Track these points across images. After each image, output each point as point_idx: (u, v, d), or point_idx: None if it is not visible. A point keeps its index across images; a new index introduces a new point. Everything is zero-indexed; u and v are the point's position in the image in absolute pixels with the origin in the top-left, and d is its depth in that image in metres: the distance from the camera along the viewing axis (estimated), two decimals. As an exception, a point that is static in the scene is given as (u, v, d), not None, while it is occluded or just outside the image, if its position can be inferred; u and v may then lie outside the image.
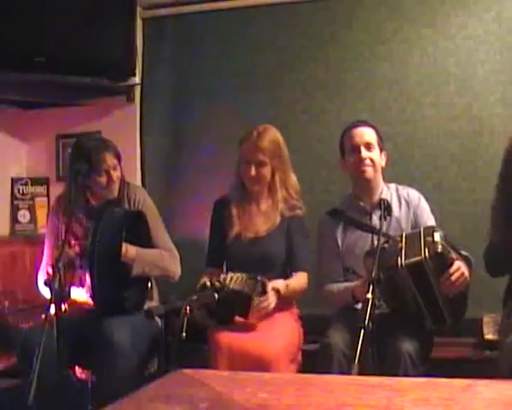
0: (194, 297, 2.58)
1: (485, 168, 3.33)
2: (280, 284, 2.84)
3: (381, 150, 2.91)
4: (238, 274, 2.77)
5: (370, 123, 2.95)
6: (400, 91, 3.58)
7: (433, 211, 2.93)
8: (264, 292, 2.74)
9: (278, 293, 2.81)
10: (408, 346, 2.52)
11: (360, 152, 2.85)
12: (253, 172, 2.92)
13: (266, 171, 2.94)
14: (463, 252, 2.62)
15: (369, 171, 2.87)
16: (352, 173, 2.94)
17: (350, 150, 2.90)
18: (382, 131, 2.96)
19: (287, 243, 2.97)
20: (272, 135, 2.96)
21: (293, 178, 3.03)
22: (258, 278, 2.75)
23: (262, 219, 3.00)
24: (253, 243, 2.96)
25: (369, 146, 2.86)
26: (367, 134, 2.88)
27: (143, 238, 2.95)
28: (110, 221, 2.83)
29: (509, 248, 2.49)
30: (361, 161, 2.85)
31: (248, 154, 2.93)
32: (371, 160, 2.86)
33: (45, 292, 2.92)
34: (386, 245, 2.58)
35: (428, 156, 3.53)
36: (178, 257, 3.05)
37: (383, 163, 2.93)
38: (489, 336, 3.06)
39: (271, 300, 2.77)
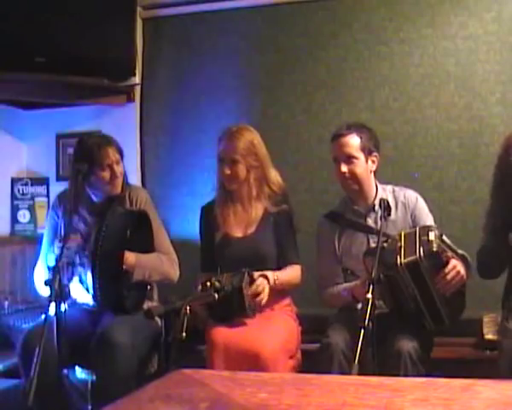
0: (195, 297, 2.58)
1: (485, 168, 3.32)
2: (268, 273, 2.85)
3: (369, 154, 2.86)
4: (226, 274, 2.78)
5: (355, 127, 2.87)
6: (400, 91, 3.58)
7: (432, 211, 2.93)
8: (252, 281, 2.76)
9: (267, 279, 2.81)
10: (408, 346, 2.52)
11: (339, 166, 2.84)
12: (227, 170, 2.95)
13: (240, 169, 2.95)
14: (460, 251, 2.62)
15: (349, 184, 2.86)
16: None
17: (332, 161, 2.90)
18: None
19: (276, 238, 2.99)
20: (245, 134, 2.98)
21: (273, 174, 3.04)
22: (243, 270, 2.76)
23: (245, 218, 3.01)
24: (241, 241, 2.98)
25: (348, 158, 2.82)
26: (346, 145, 2.82)
27: (146, 238, 2.96)
28: (114, 221, 2.83)
29: (505, 253, 2.50)
30: (341, 175, 2.84)
31: (222, 153, 2.98)
32: (351, 172, 2.83)
33: (42, 289, 2.93)
34: (385, 244, 2.57)
35: (428, 156, 3.53)
36: (177, 260, 3.06)
37: (374, 167, 2.89)
38: (489, 336, 3.06)
39: (262, 286, 2.78)
